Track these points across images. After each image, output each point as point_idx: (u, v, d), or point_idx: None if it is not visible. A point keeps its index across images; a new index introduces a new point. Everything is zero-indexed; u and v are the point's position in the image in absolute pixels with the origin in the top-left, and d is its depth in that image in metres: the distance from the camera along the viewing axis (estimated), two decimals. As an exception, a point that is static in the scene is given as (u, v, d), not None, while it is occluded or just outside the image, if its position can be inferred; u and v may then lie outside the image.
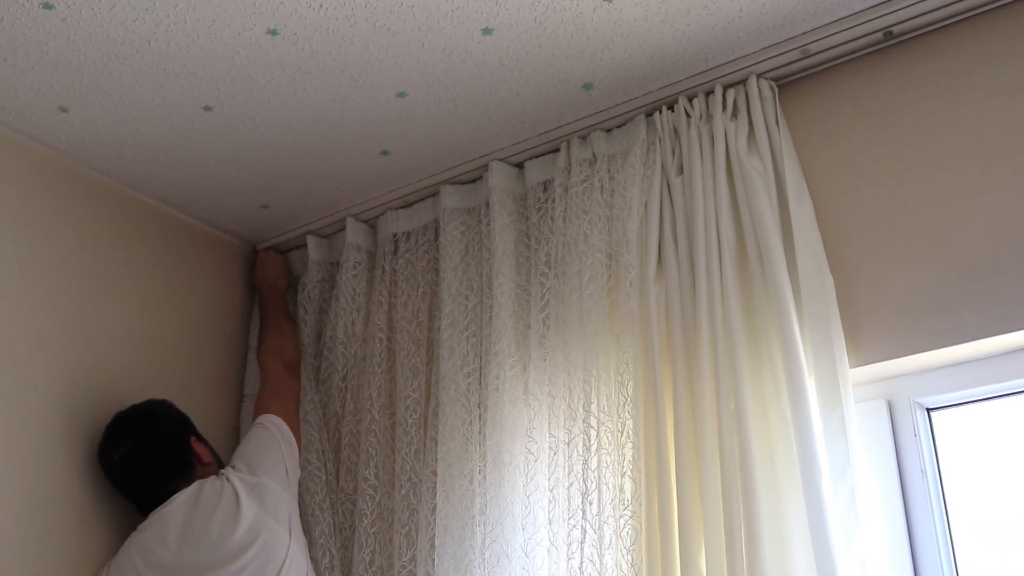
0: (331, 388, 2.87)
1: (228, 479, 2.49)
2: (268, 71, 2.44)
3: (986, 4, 2.24)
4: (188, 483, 2.52)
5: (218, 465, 2.62)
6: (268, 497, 2.48)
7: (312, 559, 2.60)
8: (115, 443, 2.54)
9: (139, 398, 2.67)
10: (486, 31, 2.32)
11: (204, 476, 2.54)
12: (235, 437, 2.98)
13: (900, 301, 2.20)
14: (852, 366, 2.19)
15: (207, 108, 2.57)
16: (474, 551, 2.35)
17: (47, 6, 2.24)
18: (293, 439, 2.64)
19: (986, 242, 2.14)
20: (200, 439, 2.65)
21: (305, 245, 3.10)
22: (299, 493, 2.67)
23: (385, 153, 2.76)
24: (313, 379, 2.91)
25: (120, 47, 2.36)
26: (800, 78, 2.45)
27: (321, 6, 2.25)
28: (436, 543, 2.42)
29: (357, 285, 2.91)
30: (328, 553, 2.65)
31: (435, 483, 2.49)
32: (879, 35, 2.33)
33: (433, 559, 2.42)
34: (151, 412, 2.62)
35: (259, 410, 2.71)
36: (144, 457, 2.53)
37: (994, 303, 2.09)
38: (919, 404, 2.25)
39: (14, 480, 2.43)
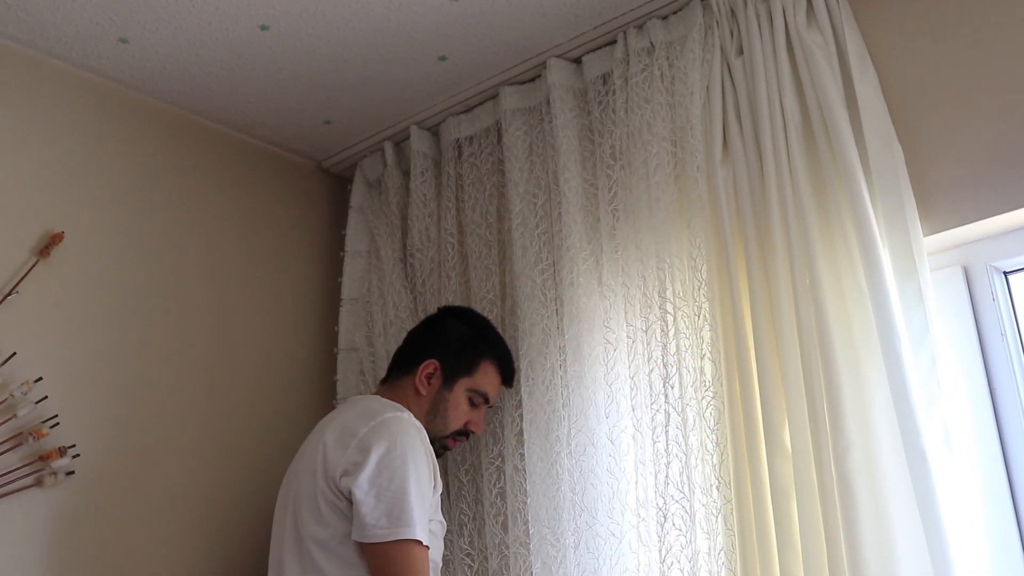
0: (415, 292, 2.91)
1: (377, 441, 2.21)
2: (321, -16, 2.45)
3: None
4: (395, 382, 2.48)
5: (431, 414, 2.43)
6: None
7: None
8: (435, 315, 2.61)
9: (218, 323, 2.76)
10: (535, -75, 2.31)
11: (410, 399, 2.43)
12: (327, 338, 3.06)
13: (970, 166, 2.18)
14: (926, 234, 2.19)
15: (263, 27, 2.58)
16: (560, 442, 2.40)
17: (100, -63, 2.26)
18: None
19: (1056, 99, 2.11)
20: (447, 383, 2.46)
21: (369, 155, 3.14)
22: None
23: (442, 59, 2.76)
24: (407, 284, 2.91)
25: (174, -28, 2.38)
26: (858, -53, 2.41)
27: (369, -86, 2.24)
28: (525, 436, 2.47)
29: (427, 192, 2.94)
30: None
31: (519, 380, 2.54)
32: None
33: (521, 452, 2.48)
34: (471, 321, 2.56)
35: None
36: (408, 334, 2.60)
37: (1067, 160, 2.07)
38: (995, 268, 2.24)
39: (95, 402, 2.53)
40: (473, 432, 2.50)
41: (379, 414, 2.27)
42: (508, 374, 2.53)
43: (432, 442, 2.33)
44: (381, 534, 2.12)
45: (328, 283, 3.14)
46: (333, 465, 2.21)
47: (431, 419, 2.42)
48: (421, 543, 2.14)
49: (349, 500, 2.17)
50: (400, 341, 2.65)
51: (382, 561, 2.12)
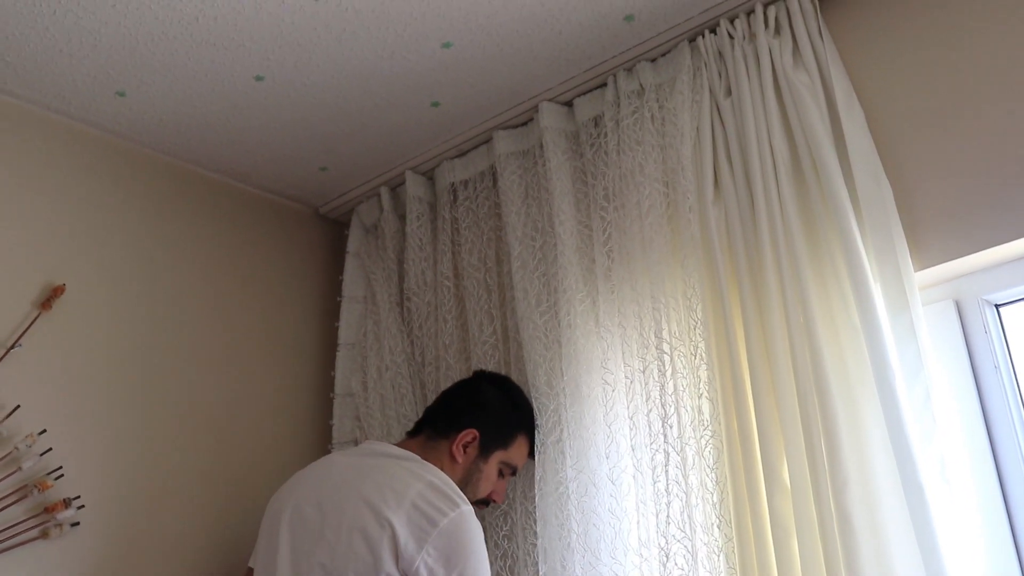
0: (412, 337, 2.93)
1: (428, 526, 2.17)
2: (314, 35, 2.48)
3: None
4: (427, 445, 2.42)
5: (464, 482, 2.39)
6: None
7: None
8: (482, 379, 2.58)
9: (218, 370, 2.78)
10: (524, -26, 2.35)
11: (445, 463, 2.39)
12: (324, 382, 3.08)
13: (959, 200, 2.21)
14: (917, 269, 2.21)
15: (258, 78, 2.62)
16: (564, 483, 2.41)
17: (96, -5, 2.30)
18: None
19: (1040, 133, 2.14)
20: (483, 453, 2.44)
21: (366, 200, 3.17)
22: None
23: (436, 104, 2.80)
24: (403, 329, 2.93)
25: (169, 27, 2.42)
26: (840, -12, 2.45)
27: (360, -34, 2.29)
28: (536, 477, 2.46)
29: (423, 236, 2.97)
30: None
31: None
32: (917, -63, 2.33)
33: (532, 494, 2.49)
34: (509, 390, 2.55)
35: None
36: (444, 395, 2.56)
37: (1054, 193, 2.10)
38: (987, 301, 2.26)
39: (100, 453, 2.55)
40: (495, 502, 2.49)
41: (453, 501, 2.21)
42: (534, 446, 2.51)
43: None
44: None
45: (326, 328, 3.17)
46: (408, 551, 2.13)
47: (462, 487, 2.33)
48: None
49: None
50: (395, 387, 2.70)
51: None
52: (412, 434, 2.50)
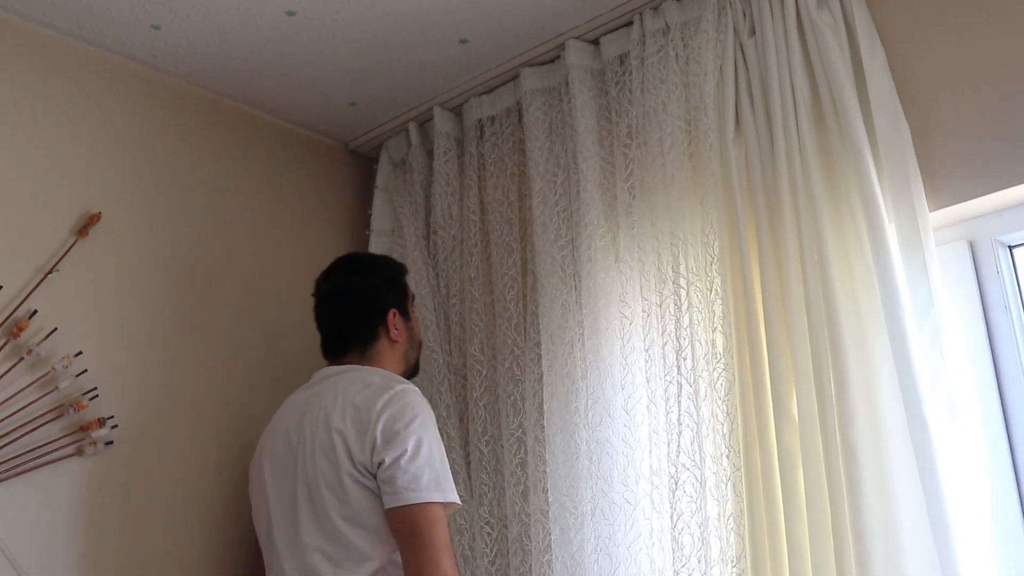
0: (437, 270, 3.00)
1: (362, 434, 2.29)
2: (345, -29, 2.53)
3: None
4: (362, 352, 2.51)
5: (409, 348, 2.59)
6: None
7: None
8: (328, 278, 2.62)
9: (248, 299, 2.86)
10: (551, -89, 2.37)
11: (382, 352, 2.52)
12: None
13: (976, 142, 2.23)
14: (932, 209, 2.24)
15: (290, 13, 2.67)
16: (579, 413, 2.48)
17: (131, -72, 2.35)
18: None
19: (1061, 76, 2.16)
20: (404, 315, 2.60)
21: (394, 136, 3.23)
22: (421, 382, 2.78)
23: (464, 41, 2.84)
24: (428, 262, 3.01)
25: (203, -39, 2.47)
26: (867, -73, 2.46)
27: (389, -98, 2.32)
28: (545, 408, 2.55)
29: (450, 171, 3.03)
30: (446, 435, 2.76)
31: (539, 354, 2.62)
32: None
33: (541, 424, 2.56)
34: (373, 265, 2.65)
35: None
36: (342, 300, 2.57)
37: (1071, 136, 2.12)
38: (1000, 242, 2.29)
39: (134, 375, 2.64)
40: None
41: (387, 387, 2.34)
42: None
43: (414, 371, 2.61)
44: (414, 496, 2.21)
45: (355, 261, 3.22)
46: (358, 448, 2.27)
47: (409, 353, 2.59)
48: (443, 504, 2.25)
49: (374, 476, 2.26)
50: (420, 318, 2.79)
51: (414, 520, 2.20)
52: (339, 354, 2.54)
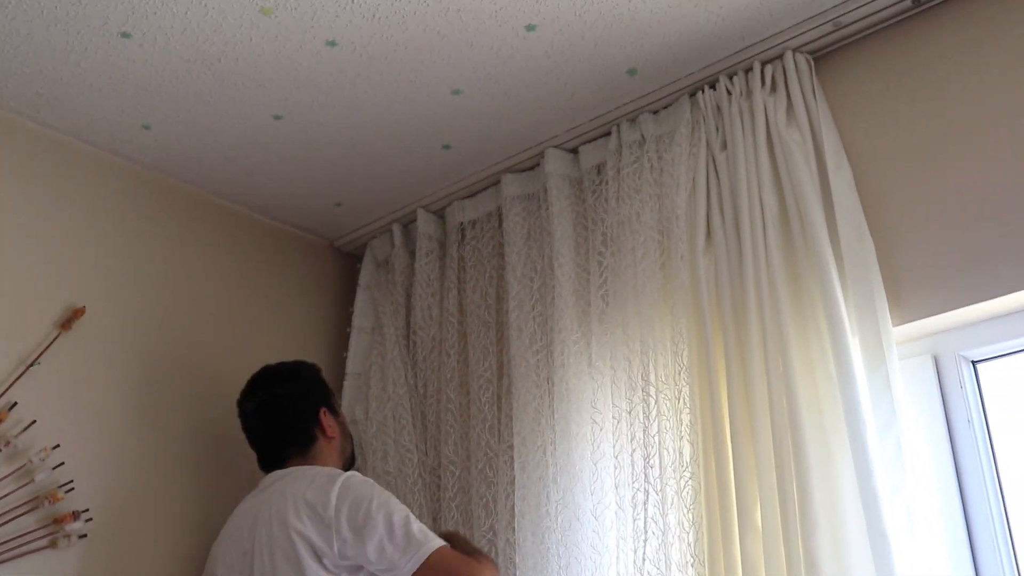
0: (416, 370, 3.04)
1: (317, 505, 2.35)
2: (330, 79, 2.61)
3: (1008, -32, 2.31)
4: (303, 455, 2.56)
5: (344, 441, 2.67)
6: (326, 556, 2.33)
7: None
8: (252, 394, 2.67)
9: (230, 391, 2.87)
10: (529, 28, 2.46)
11: (323, 451, 2.58)
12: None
13: (940, 258, 2.29)
14: (897, 324, 2.29)
15: (277, 117, 2.75)
16: (549, 516, 2.51)
17: (125, 35, 2.43)
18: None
19: (1021, 195, 2.21)
20: (332, 411, 2.67)
21: (379, 236, 3.30)
22: (396, 480, 2.87)
23: (446, 147, 2.92)
24: (408, 361, 3.05)
25: (193, 66, 2.55)
26: (835, 50, 2.54)
27: (374, 16, 2.40)
28: (516, 511, 2.57)
29: (431, 272, 3.09)
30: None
31: (511, 456, 2.65)
32: (907, 3, 2.41)
33: (514, 526, 2.58)
34: (292, 372, 2.71)
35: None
36: (271, 414, 2.62)
37: (1031, 255, 2.18)
38: (964, 357, 2.34)
39: (110, 469, 2.66)
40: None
41: (332, 479, 2.39)
42: None
43: (351, 462, 2.70)
44: (420, 553, 2.27)
45: (336, 357, 3.27)
46: (327, 548, 2.30)
47: (345, 446, 2.68)
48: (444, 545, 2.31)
49: (358, 566, 2.30)
50: (396, 417, 2.89)
51: (435, 566, 2.27)
52: (280, 463, 2.58)
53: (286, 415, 2.61)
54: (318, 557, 2.30)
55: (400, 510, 2.33)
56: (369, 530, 2.28)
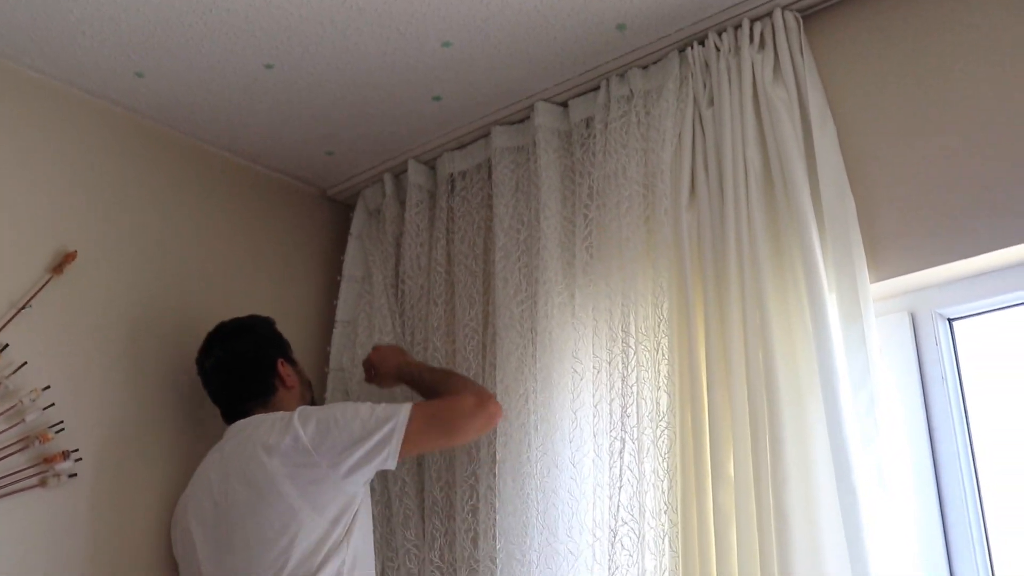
0: (404, 318, 3.08)
1: (288, 427, 2.46)
2: (320, 28, 2.62)
3: (997, -71, 2.32)
4: (264, 404, 2.65)
5: (303, 391, 2.77)
6: (311, 483, 2.42)
7: (384, 488, 2.88)
8: (209, 351, 2.74)
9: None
10: (519, -19, 2.48)
11: (284, 400, 2.67)
12: (322, 358, 3.23)
13: (918, 217, 2.31)
14: (875, 281, 2.32)
15: (268, 66, 2.77)
16: (529, 463, 2.55)
17: (116, -19, 2.46)
18: (400, 437, 2.44)
19: (999, 158, 2.23)
20: (289, 361, 2.76)
21: (371, 185, 3.33)
22: None
23: (437, 99, 2.94)
24: (395, 310, 3.09)
25: (185, 15, 2.56)
26: (823, 8, 2.54)
27: (364, -33, 2.42)
28: (498, 457, 2.62)
29: (420, 222, 3.12)
30: (400, 480, 2.87)
31: (496, 402, 2.70)
32: (896, -37, 2.42)
33: (495, 472, 2.63)
34: (248, 327, 2.79)
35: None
36: (230, 369, 2.70)
37: (1009, 215, 2.20)
38: (940, 315, 2.37)
39: (100, 410, 2.71)
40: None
41: (288, 415, 2.51)
42: None
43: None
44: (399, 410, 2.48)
45: (326, 306, 3.31)
46: (308, 471, 2.42)
47: (304, 392, 2.77)
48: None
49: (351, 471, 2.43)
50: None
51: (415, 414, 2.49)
52: (244, 415, 2.65)
53: (246, 368, 2.70)
54: (302, 490, 2.39)
55: (361, 405, 2.49)
56: (346, 436, 2.42)
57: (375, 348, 2.89)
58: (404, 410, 2.46)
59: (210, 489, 2.54)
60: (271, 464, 2.41)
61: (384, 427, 2.43)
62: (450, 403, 2.53)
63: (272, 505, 2.39)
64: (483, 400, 2.54)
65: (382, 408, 2.48)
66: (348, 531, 2.42)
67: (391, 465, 2.45)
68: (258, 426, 2.54)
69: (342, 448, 2.41)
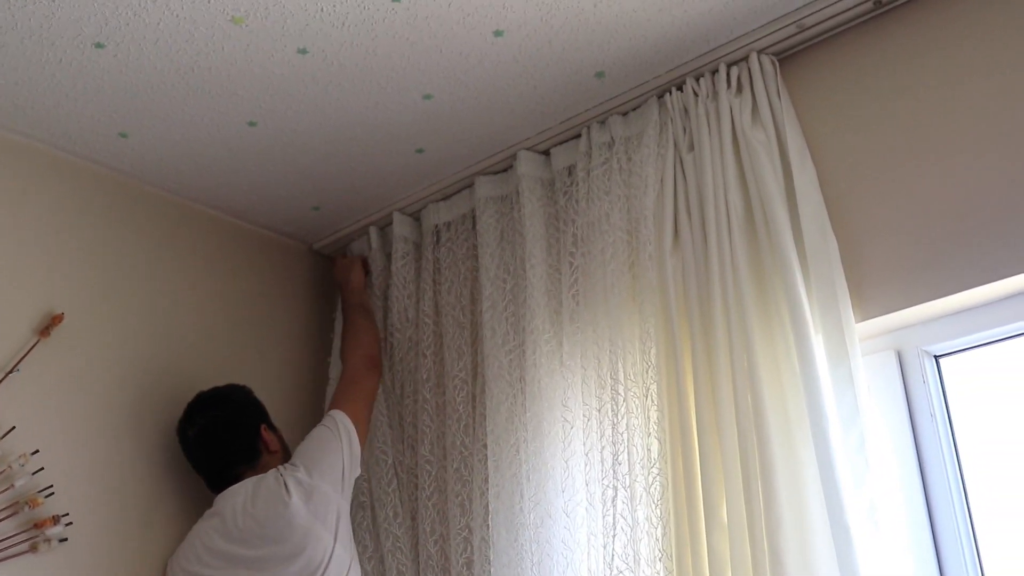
0: (393, 371, 3.08)
1: (282, 476, 2.63)
2: (302, 86, 2.65)
3: (964, -31, 2.35)
4: (252, 469, 2.71)
5: (284, 455, 2.81)
6: (319, 501, 2.61)
7: (377, 544, 2.87)
8: (191, 420, 2.76)
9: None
10: (497, 33, 2.49)
11: (269, 464, 2.72)
12: (316, 414, 3.18)
13: (902, 255, 2.32)
14: (860, 320, 2.33)
15: (251, 123, 2.78)
16: (522, 514, 2.54)
17: (98, 45, 2.47)
18: (356, 438, 2.75)
19: (980, 193, 2.25)
20: (271, 427, 2.83)
21: (357, 238, 3.35)
22: (369, 479, 2.93)
23: (420, 151, 2.95)
24: (384, 363, 3.09)
25: (167, 76, 2.59)
26: (799, 51, 2.57)
27: (344, 24, 2.44)
28: (490, 508, 2.62)
29: (407, 274, 3.12)
30: (392, 536, 2.86)
31: (485, 455, 2.69)
32: (870, 4, 2.44)
33: (488, 524, 2.62)
34: (228, 396, 2.82)
35: (331, 405, 2.88)
36: (215, 438, 2.74)
37: (991, 250, 2.21)
38: (926, 352, 2.38)
39: (90, 474, 2.69)
40: None
41: (263, 476, 2.67)
42: None
43: None
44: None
45: (316, 361, 3.31)
46: (306, 507, 2.59)
47: (285, 456, 2.81)
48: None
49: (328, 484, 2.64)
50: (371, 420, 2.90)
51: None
52: (232, 481, 2.72)
53: (231, 435, 2.74)
54: (325, 524, 2.60)
55: (322, 438, 2.74)
56: (326, 466, 2.66)
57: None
58: (344, 421, 2.75)
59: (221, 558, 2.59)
60: (296, 509, 2.56)
61: (344, 451, 2.69)
62: (360, 389, 2.88)
63: (308, 547, 2.55)
64: (372, 363, 2.94)
65: (329, 433, 2.72)
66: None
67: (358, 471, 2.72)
68: (259, 482, 2.64)
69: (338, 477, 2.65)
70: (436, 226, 3.12)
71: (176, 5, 2.36)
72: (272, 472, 2.66)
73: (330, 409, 2.84)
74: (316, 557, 2.55)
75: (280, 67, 2.57)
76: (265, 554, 2.55)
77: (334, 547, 2.58)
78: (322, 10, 2.39)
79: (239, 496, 2.64)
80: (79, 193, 2.89)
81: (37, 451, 2.58)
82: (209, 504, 2.71)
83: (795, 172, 2.43)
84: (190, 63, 2.55)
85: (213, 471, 2.74)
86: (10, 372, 2.58)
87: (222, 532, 2.60)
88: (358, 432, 2.76)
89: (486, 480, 2.67)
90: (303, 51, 2.52)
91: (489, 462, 2.66)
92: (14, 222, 2.72)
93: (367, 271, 3.27)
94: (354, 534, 2.77)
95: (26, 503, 2.53)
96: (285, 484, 2.60)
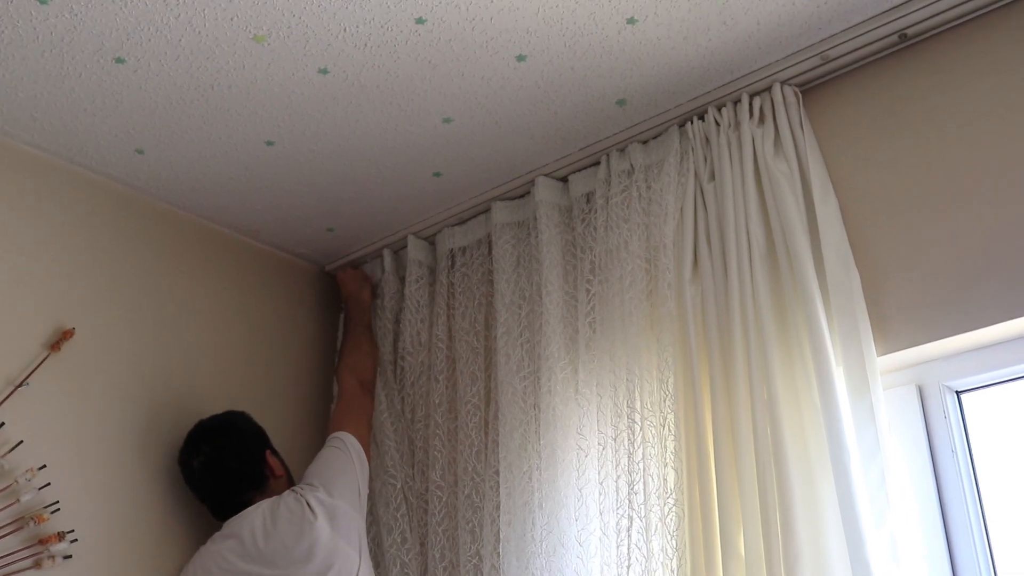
0: (403, 395, 3.05)
1: (304, 497, 2.63)
2: (322, 106, 2.63)
3: (992, 3, 2.34)
4: (261, 494, 2.70)
5: (288, 478, 2.80)
6: (342, 520, 2.64)
7: (383, 570, 2.84)
8: (196, 450, 2.75)
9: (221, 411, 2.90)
10: (520, 58, 2.49)
11: (276, 488, 2.73)
12: (323, 438, 3.17)
13: (924, 289, 2.30)
14: (881, 354, 2.31)
15: (269, 143, 2.77)
16: (534, 542, 2.51)
17: (119, 60, 2.46)
18: (365, 458, 2.80)
19: (1004, 228, 2.23)
20: (274, 453, 2.82)
21: (370, 261, 3.33)
22: (375, 503, 2.90)
23: (437, 175, 2.94)
24: (394, 387, 3.08)
25: (186, 92, 2.57)
26: (822, 82, 2.57)
27: (366, 45, 2.43)
28: (501, 536, 2.58)
29: (420, 298, 3.10)
30: (399, 561, 2.83)
31: (497, 482, 2.66)
32: (895, 38, 2.44)
33: (499, 551, 2.59)
34: (231, 424, 2.81)
35: (334, 426, 2.89)
36: (222, 466, 2.72)
37: (1014, 287, 2.19)
38: (948, 387, 2.35)
39: (96, 491, 2.66)
40: None
41: (276, 500, 2.67)
42: None
43: None
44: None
45: (325, 382, 3.28)
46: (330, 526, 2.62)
47: (290, 480, 2.83)
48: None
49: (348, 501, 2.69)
50: (377, 443, 2.95)
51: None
52: (241, 507, 2.70)
53: (237, 465, 2.74)
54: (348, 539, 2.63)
55: (333, 458, 2.79)
56: (343, 486, 2.70)
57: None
58: (352, 441, 2.80)
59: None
60: (322, 529, 2.58)
61: (357, 471, 2.75)
62: (360, 409, 2.94)
63: (336, 564, 2.57)
64: (367, 388, 3.02)
65: (341, 453, 2.78)
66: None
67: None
68: (276, 504, 2.66)
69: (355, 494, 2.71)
70: (451, 250, 3.10)
71: (198, 22, 2.35)
72: (289, 493, 2.66)
73: (334, 430, 2.85)
74: (344, 573, 2.57)
75: (300, 86, 2.56)
76: (290, 574, 2.55)
77: (360, 564, 2.60)
78: (344, 30, 2.39)
79: (256, 518, 2.62)
80: (93, 208, 2.87)
81: (44, 466, 2.55)
82: (217, 526, 2.68)
83: (817, 204, 2.41)
84: (210, 80, 2.54)
85: (221, 500, 2.73)
86: (19, 385, 2.56)
87: (240, 553, 2.58)
88: (364, 451, 2.82)
89: (497, 507, 2.64)
90: (324, 71, 2.51)
91: (501, 489, 2.63)
92: (27, 236, 2.70)
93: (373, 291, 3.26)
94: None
95: (31, 518, 2.50)
96: (308, 504, 2.61)
